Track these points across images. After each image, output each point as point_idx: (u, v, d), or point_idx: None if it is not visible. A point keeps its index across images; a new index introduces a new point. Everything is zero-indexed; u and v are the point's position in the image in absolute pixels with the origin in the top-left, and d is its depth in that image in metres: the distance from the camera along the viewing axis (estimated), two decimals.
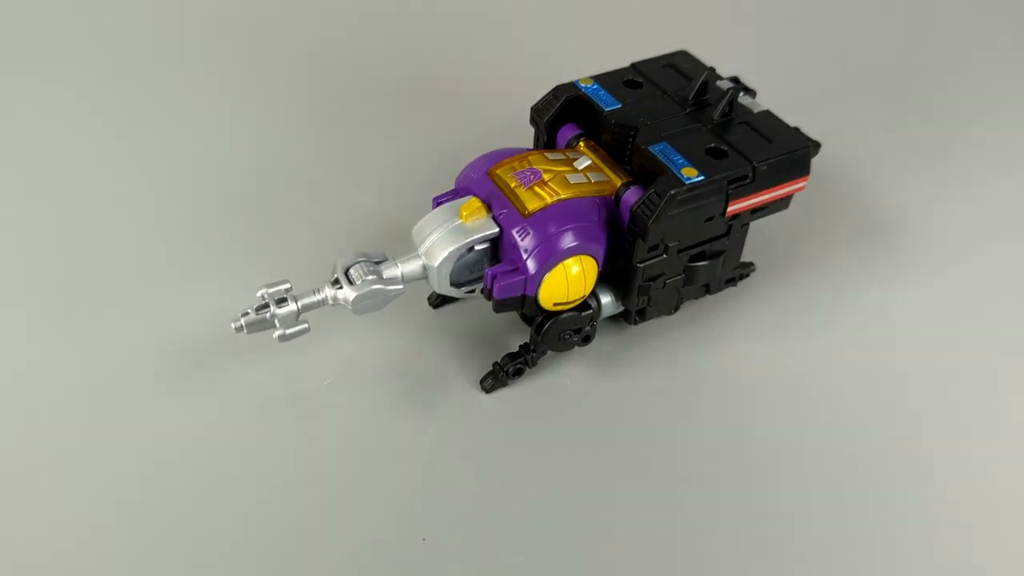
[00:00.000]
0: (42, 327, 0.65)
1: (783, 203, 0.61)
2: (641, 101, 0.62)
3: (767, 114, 0.61)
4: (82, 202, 0.77)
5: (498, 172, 0.58)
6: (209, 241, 0.73)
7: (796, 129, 0.60)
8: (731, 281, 0.67)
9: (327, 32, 1.03)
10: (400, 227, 0.62)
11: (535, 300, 0.56)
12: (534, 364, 0.62)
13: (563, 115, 0.63)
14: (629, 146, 0.59)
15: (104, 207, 0.77)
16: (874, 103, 0.94)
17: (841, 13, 1.10)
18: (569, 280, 0.56)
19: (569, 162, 0.59)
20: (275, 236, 0.73)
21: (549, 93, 0.63)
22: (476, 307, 0.68)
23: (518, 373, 0.62)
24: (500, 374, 0.61)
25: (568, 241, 0.54)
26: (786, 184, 0.59)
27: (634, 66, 0.66)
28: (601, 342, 0.65)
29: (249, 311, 0.53)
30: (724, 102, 0.60)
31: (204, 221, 0.75)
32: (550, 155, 0.60)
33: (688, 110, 0.61)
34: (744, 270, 0.68)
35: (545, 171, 0.58)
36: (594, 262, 0.56)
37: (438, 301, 0.68)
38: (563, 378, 0.63)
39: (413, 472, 0.57)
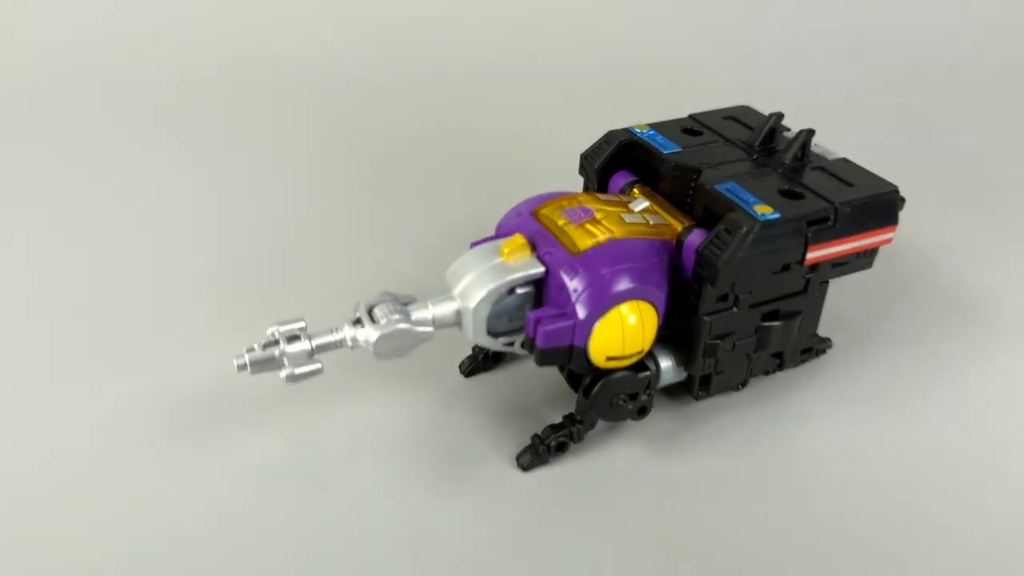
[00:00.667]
0: (41, 380, 0.59)
1: (867, 258, 0.54)
2: (702, 146, 0.56)
3: (844, 161, 0.55)
4: (107, 259, 0.73)
5: (544, 211, 0.52)
6: (221, 300, 0.68)
7: (879, 177, 0.54)
8: (807, 354, 0.59)
9: (350, 95, 1.02)
10: (427, 287, 0.56)
11: (584, 353, 0.49)
12: (580, 439, 0.54)
13: (615, 162, 0.58)
14: (691, 190, 0.54)
15: (123, 264, 0.73)
16: (948, 180, 0.89)
17: (916, 88, 1.07)
18: (625, 330, 0.48)
19: (623, 204, 0.53)
20: (293, 297, 0.68)
21: (600, 139, 0.59)
22: (515, 377, 0.61)
23: (561, 448, 0.53)
24: (540, 449, 0.53)
25: (624, 283, 0.48)
26: (872, 232, 0.52)
27: (692, 116, 0.61)
28: (659, 418, 0.57)
29: (255, 347, 0.46)
30: (796, 145, 0.54)
31: (215, 282, 0.70)
32: (602, 196, 0.54)
33: (755, 156, 0.56)
34: (821, 345, 0.61)
35: (597, 210, 0.52)
36: (654, 311, 0.49)
37: (471, 368, 0.60)
38: (614, 457, 0.54)
39: (433, 562, 0.47)
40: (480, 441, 0.55)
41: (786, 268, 0.51)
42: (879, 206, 0.52)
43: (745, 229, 0.47)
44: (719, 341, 0.51)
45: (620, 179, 0.57)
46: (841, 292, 0.68)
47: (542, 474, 0.53)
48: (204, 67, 1.09)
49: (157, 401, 0.58)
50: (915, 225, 0.78)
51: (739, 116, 0.61)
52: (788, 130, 0.59)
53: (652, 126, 0.59)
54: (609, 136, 0.58)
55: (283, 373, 0.46)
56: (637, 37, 1.15)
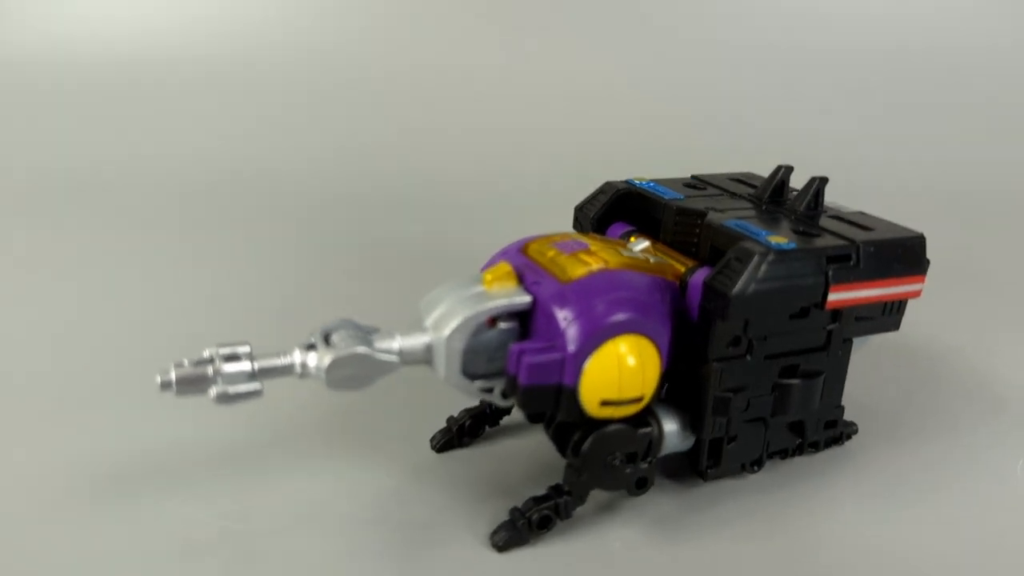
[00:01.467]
0: None
1: (894, 316, 0.48)
2: (707, 197, 0.52)
3: (862, 213, 0.51)
4: (56, 325, 0.67)
5: (533, 246, 0.47)
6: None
7: (901, 226, 0.50)
8: (831, 429, 0.52)
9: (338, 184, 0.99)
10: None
11: (575, 394, 0.42)
12: (568, 514, 0.45)
13: (612, 213, 0.54)
14: (696, 236, 0.49)
15: (72, 331, 0.66)
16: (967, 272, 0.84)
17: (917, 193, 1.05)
18: (622, 368, 0.42)
19: (622, 244, 0.48)
20: None
21: (596, 190, 0.55)
22: (494, 453, 0.53)
23: (544, 524, 0.45)
24: (519, 524, 0.44)
25: (620, 313, 0.42)
26: (898, 280, 0.47)
27: (695, 176, 0.58)
28: (661, 499, 0.49)
29: (185, 362, 0.39)
30: (809, 193, 0.50)
31: (162, 353, 0.63)
32: (598, 236, 0.50)
33: (764, 207, 0.52)
34: (847, 429, 0.53)
35: (592, 243, 0.47)
36: (655, 351, 0.43)
37: (444, 442, 0.52)
38: (608, 539, 0.46)
39: None
40: (450, 518, 0.47)
41: (804, 313, 0.45)
42: (905, 250, 0.47)
43: (758, 257, 0.42)
44: (731, 395, 0.45)
45: (617, 229, 0.53)
46: (865, 382, 0.61)
47: (521, 555, 0.44)
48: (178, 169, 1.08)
49: (73, 466, 0.50)
50: (936, 316, 0.74)
51: (745, 178, 0.58)
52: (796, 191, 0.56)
53: (652, 180, 0.56)
54: (605, 186, 0.54)
55: (213, 391, 0.39)
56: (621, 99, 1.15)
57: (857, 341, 0.50)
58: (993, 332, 0.74)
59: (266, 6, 1.24)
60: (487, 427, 0.54)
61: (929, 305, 0.75)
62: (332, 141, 1.14)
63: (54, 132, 1.12)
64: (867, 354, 0.63)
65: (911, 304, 0.50)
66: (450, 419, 0.53)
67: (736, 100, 1.18)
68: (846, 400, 0.53)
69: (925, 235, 0.48)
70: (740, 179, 0.58)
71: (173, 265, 0.82)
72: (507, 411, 0.54)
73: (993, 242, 0.97)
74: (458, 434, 0.53)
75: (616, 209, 0.53)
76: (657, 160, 0.98)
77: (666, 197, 0.51)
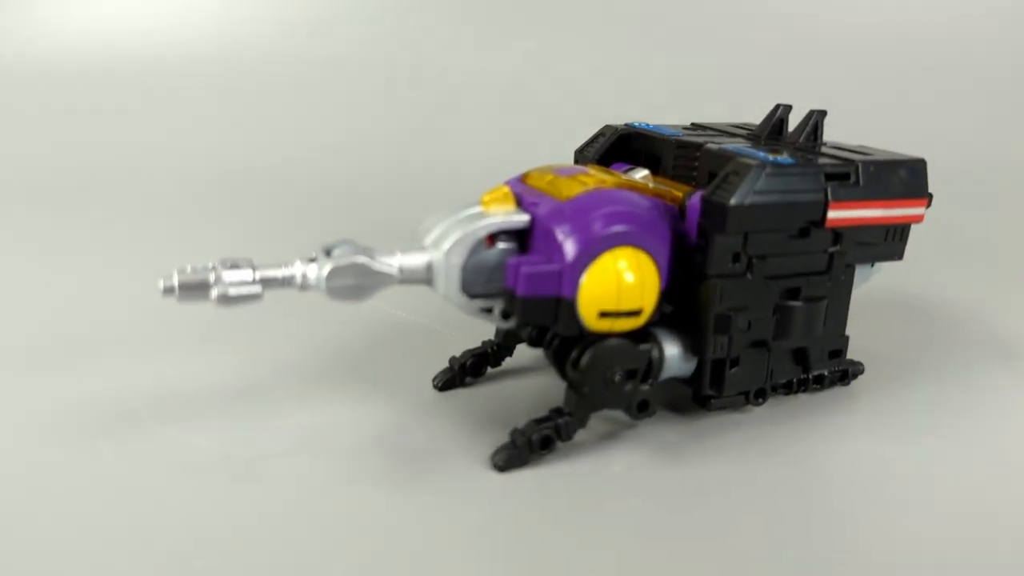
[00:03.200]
0: None
1: (897, 243, 0.49)
2: (706, 136, 0.53)
3: (861, 146, 0.52)
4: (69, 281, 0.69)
5: (533, 174, 0.48)
6: (171, 315, 0.62)
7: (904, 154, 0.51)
8: (837, 376, 0.52)
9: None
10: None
11: (573, 306, 0.42)
12: (569, 436, 0.46)
13: (612, 154, 0.55)
14: (695, 171, 0.50)
15: (83, 284, 0.68)
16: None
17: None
18: (620, 279, 0.42)
19: (620, 174, 0.49)
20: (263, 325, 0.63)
21: (595, 133, 0.56)
22: (496, 390, 0.54)
23: (545, 445, 0.45)
24: (520, 444, 0.45)
25: (617, 225, 0.42)
26: (900, 202, 0.47)
27: (693, 123, 0.59)
28: (663, 429, 0.49)
29: (188, 268, 0.40)
30: (809, 126, 0.51)
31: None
32: (599, 167, 0.51)
33: (763, 143, 0.52)
34: (852, 367, 0.54)
35: (592, 168, 0.48)
36: (654, 266, 0.43)
37: (446, 380, 0.53)
38: (609, 462, 0.46)
39: (377, 561, 0.38)
40: (450, 446, 0.47)
41: (805, 233, 0.46)
42: (906, 172, 0.47)
43: (755, 169, 0.43)
44: (732, 314, 0.45)
45: (618, 168, 0.54)
46: (874, 332, 0.62)
47: (520, 475, 0.45)
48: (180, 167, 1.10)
49: (80, 399, 0.51)
50: (947, 277, 0.74)
51: (743, 125, 0.59)
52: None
53: (651, 124, 0.57)
54: (604, 129, 0.55)
55: (214, 292, 0.40)
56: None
57: (860, 275, 0.50)
58: (1005, 292, 0.74)
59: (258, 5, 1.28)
60: (489, 367, 0.54)
61: (940, 266, 0.76)
62: (329, 136, 1.16)
63: (52, 129, 1.15)
64: (873, 306, 0.63)
65: (920, 261, 0.51)
66: (452, 359, 0.54)
67: (731, 77, 1.20)
68: (854, 349, 0.53)
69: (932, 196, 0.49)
70: (739, 125, 0.59)
71: (177, 256, 0.84)
72: (510, 352, 0.55)
73: (1005, 211, 0.97)
74: (460, 373, 0.53)
75: (616, 150, 0.54)
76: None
77: (665, 134, 0.52)
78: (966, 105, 1.17)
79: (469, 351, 0.54)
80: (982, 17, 1.22)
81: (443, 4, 1.28)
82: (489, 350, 0.54)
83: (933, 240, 0.63)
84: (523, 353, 0.56)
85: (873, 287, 0.56)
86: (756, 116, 0.63)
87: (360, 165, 1.11)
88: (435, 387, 0.53)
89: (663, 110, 0.91)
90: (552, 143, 0.83)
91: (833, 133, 0.56)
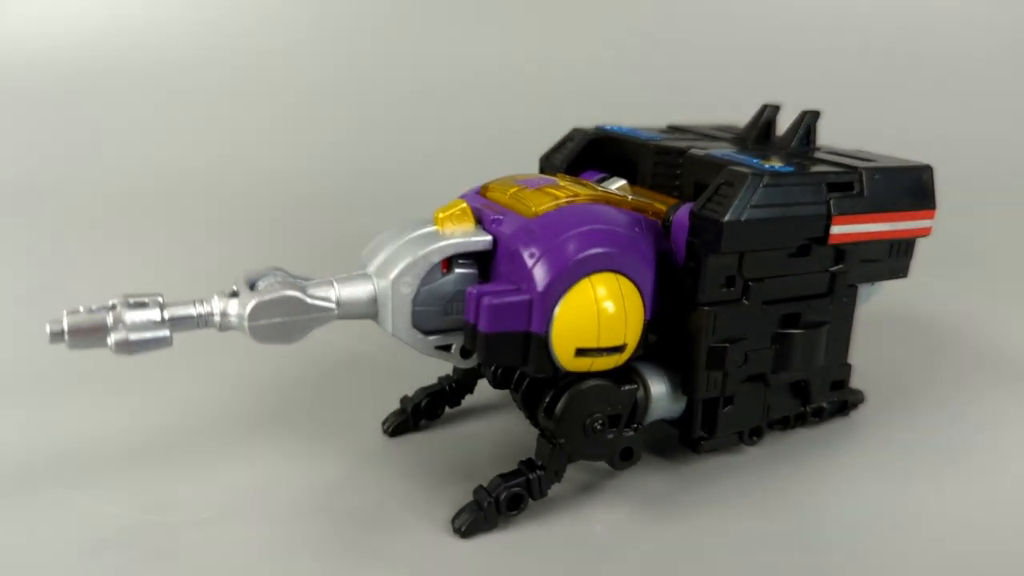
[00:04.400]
0: None
1: (902, 259, 0.44)
2: (687, 140, 0.48)
3: (859, 151, 0.47)
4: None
5: (494, 185, 0.42)
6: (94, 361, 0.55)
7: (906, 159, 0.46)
8: (837, 407, 0.47)
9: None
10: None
11: (545, 343, 0.36)
12: (542, 493, 0.40)
13: (583, 161, 0.49)
14: (677, 178, 0.45)
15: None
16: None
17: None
18: (600, 310, 0.37)
19: (594, 184, 0.44)
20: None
21: (564, 137, 0.50)
22: (455, 436, 0.47)
23: (514, 504, 0.39)
24: (486, 505, 0.39)
25: (595, 245, 0.37)
26: (906, 214, 0.42)
27: (671, 125, 0.54)
28: (650, 478, 0.43)
29: (80, 309, 0.33)
30: (801, 128, 0.46)
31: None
32: (568, 176, 0.45)
33: (751, 147, 0.47)
34: (853, 397, 0.49)
35: (561, 179, 0.42)
36: (637, 292, 0.38)
37: (397, 424, 0.47)
38: (590, 523, 0.40)
39: None
40: (404, 505, 0.41)
41: (805, 251, 0.41)
42: (912, 181, 0.42)
43: (752, 179, 0.38)
44: (727, 346, 0.40)
45: (590, 177, 0.48)
46: (871, 353, 0.56)
47: (486, 541, 0.39)
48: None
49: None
50: (943, 290, 0.70)
51: (727, 128, 0.54)
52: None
53: (625, 126, 0.51)
54: (572, 132, 0.50)
55: (111, 338, 0.33)
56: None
57: (862, 294, 0.45)
58: (1003, 306, 0.70)
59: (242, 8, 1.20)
60: (447, 407, 0.48)
61: (937, 279, 0.72)
62: (313, 141, 1.09)
63: (25, 134, 1.06)
64: (872, 324, 0.59)
65: (918, 275, 0.46)
66: (404, 399, 0.48)
67: (709, 74, 1.15)
68: (852, 366, 0.48)
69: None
70: (721, 127, 0.54)
71: (105, 261, 0.76)
72: (470, 389, 0.49)
73: (1001, 221, 0.94)
74: (414, 415, 0.47)
75: (587, 156, 0.49)
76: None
77: (642, 137, 0.47)
78: (963, 105, 1.15)
79: (423, 389, 0.48)
80: (980, 11, 1.19)
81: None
82: (446, 387, 0.48)
83: (931, 249, 0.59)
84: (486, 389, 0.50)
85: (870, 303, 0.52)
86: (735, 115, 0.58)
87: (322, 171, 1.04)
88: (385, 432, 0.47)
89: (635, 109, 0.86)
90: (512, 147, 0.78)
91: (823, 136, 0.51)
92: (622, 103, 1.00)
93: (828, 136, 0.52)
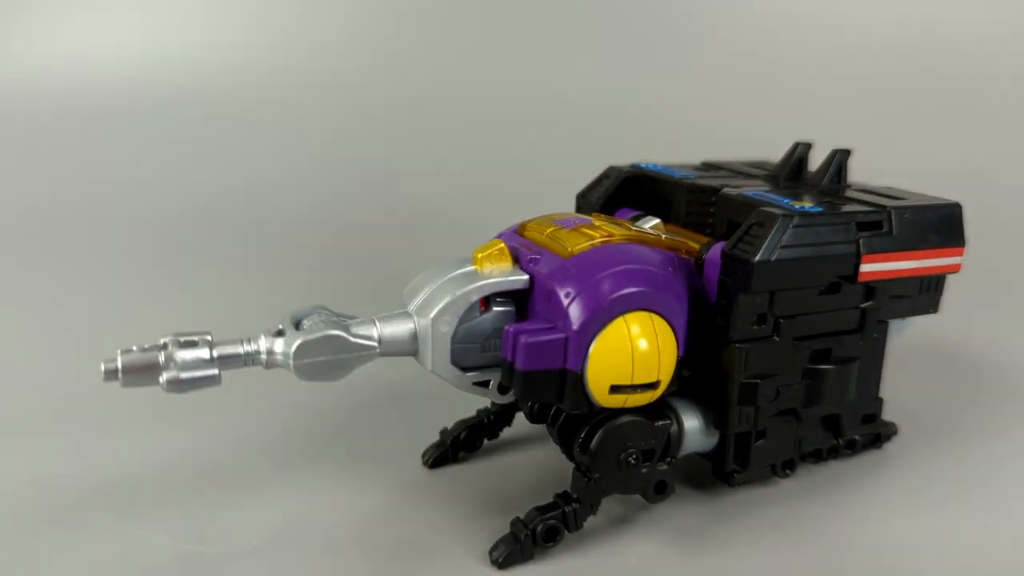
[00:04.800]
0: None
1: (932, 294, 0.45)
2: (720, 178, 0.49)
3: (889, 188, 0.48)
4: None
5: (531, 225, 0.44)
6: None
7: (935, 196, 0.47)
8: (869, 440, 0.48)
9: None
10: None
11: (581, 380, 0.38)
12: (578, 525, 0.41)
13: (618, 199, 0.50)
14: (711, 216, 0.46)
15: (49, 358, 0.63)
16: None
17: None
18: (634, 348, 0.38)
19: (628, 223, 0.45)
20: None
21: (599, 175, 0.52)
22: (493, 468, 0.49)
23: (550, 536, 0.40)
24: (523, 537, 0.40)
25: (629, 286, 0.38)
26: (935, 252, 0.43)
27: (705, 162, 0.55)
28: (683, 511, 0.44)
29: (134, 348, 0.35)
30: (832, 166, 0.47)
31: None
32: (603, 215, 0.46)
33: (783, 185, 0.48)
34: (885, 429, 0.49)
35: (596, 219, 0.44)
36: (670, 331, 0.39)
37: (437, 456, 0.48)
38: (625, 554, 0.41)
39: None
40: (443, 537, 0.42)
41: (835, 289, 0.41)
42: (940, 219, 0.43)
43: (782, 220, 0.39)
44: (759, 382, 0.41)
45: (624, 215, 0.49)
46: (901, 383, 0.57)
47: (523, 572, 0.40)
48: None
49: (29, 490, 0.45)
50: (968, 315, 0.70)
51: (760, 164, 0.55)
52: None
53: (659, 163, 0.53)
54: (609, 170, 0.51)
55: (163, 377, 0.35)
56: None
57: (893, 329, 0.46)
58: None
59: (232, 32, 1.24)
60: (485, 439, 0.50)
61: (961, 305, 0.72)
62: (350, 174, 1.12)
63: (58, 165, 1.10)
64: (904, 356, 0.59)
65: (948, 301, 0.46)
66: (444, 431, 0.49)
67: (739, 106, 1.16)
68: (884, 404, 0.49)
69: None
70: (755, 164, 0.55)
71: (148, 292, 0.78)
72: (508, 421, 0.50)
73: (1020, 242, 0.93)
74: (452, 448, 0.49)
75: (622, 194, 0.50)
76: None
77: (675, 176, 0.48)
78: (988, 134, 1.14)
79: (462, 422, 0.49)
80: (999, 39, 1.19)
81: (430, 31, 1.24)
82: (485, 420, 0.49)
83: (963, 277, 0.59)
84: (523, 422, 0.51)
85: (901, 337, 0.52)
86: (768, 151, 0.59)
87: (358, 203, 1.06)
88: (425, 464, 0.48)
89: (670, 142, 0.87)
90: (550, 184, 0.79)
91: (855, 171, 0.52)
92: (657, 135, 1.02)
93: (860, 171, 0.53)
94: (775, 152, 0.54)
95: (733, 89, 1.19)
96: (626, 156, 0.58)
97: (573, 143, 1.10)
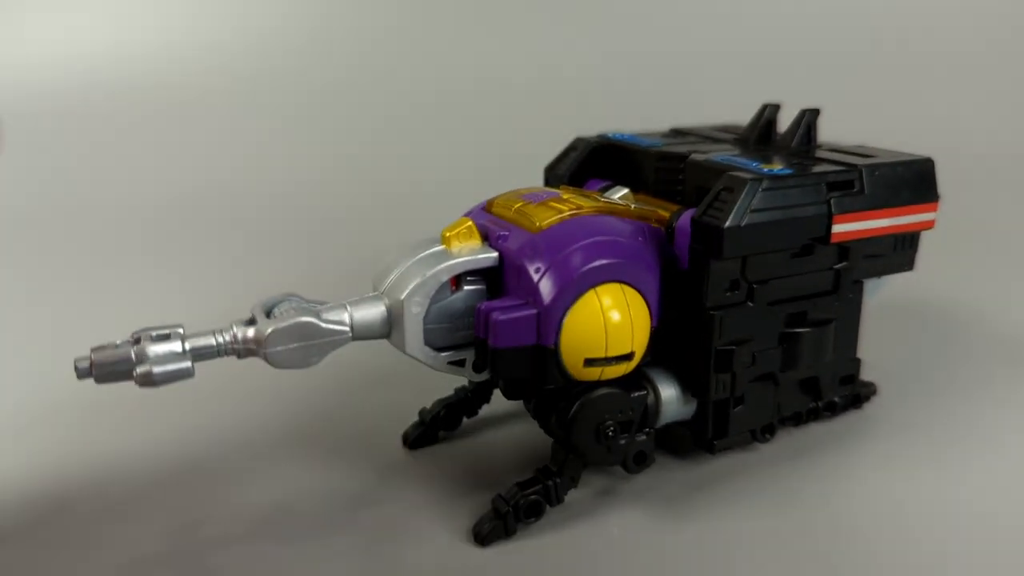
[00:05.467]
0: None
1: (906, 251, 0.45)
2: (689, 144, 0.49)
3: (861, 146, 0.48)
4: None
5: (499, 201, 0.43)
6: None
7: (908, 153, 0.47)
8: (849, 400, 0.48)
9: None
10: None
11: (555, 355, 0.38)
12: (559, 499, 0.41)
13: (586, 170, 0.50)
14: (680, 182, 0.45)
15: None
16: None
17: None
18: (607, 320, 0.38)
19: (597, 195, 0.45)
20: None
21: (566, 147, 0.51)
22: (474, 445, 0.49)
23: (533, 511, 0.40)
24: (505, 513, 0.40)
25: (599, 259, 0.38)
26: (908, 208, 0.43)
27: (673, 128, 0.54)
28: (664, 481, 0.44)
29: (105, 345, 0.35)
30: (801, 126, 0.47)
31: None
32: (571, 188, 0.46)
33: (752, 148, 0.48)
34: (864, 389, 0.49)
35: (564, 192, 0.43)
36: (642, 301, 0.39)
37: (417, 436, 0.48)
38: (606, 524, 0.41)
39: None
40: (425, 516, 0.42)
41: (808, 251, 0.41)
42: (912, 175, 0.43)
43: (751, 184, 0.38)
44: (734, 348, 0.40)
45: (593, 186, 0.49)
46: (879, 343, 0.57)
47: (507, 548, 0.40)
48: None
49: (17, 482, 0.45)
50: (947, 274, 0.71)
51: (728, 128, 0.54)
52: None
53: (627, 133, 0.52)
54: (576, 142, 0.51)
55: (137, 370, 0.34)
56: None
57: (869, 288, 0.46)
58: (1013, 290, 0.70)
59: (222, 25, 1.22)
60: (464, 418, 0.50)
61: (940, 263, 0.72)
62: (314, 157, 1.11)
63: (31, 160, 1.08)
64: (879, 314, 0.59)
65: (923, 259, 0.46)
66: (422, 411, 0.49)
67: (707, 74, 1.16)
68: (862, 364, 0.49)
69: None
70: (723, 128, 0.54)
71: (144, 286, 0.78)
72: (486, 398, 0.50)
73: (1004, 201, 0.94)
74: (432, 427, 0.48)
75: (590, 165, 0.50)
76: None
77: (643, 144, 0.48)
78: (969, 90, 1.14)
79: (440, 401, 0.49)
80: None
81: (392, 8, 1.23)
82: (463, 398, 0.49)
83: (936, 235, 0.59)
84: (500, 399, 0.51)
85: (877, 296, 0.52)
86: (737, 115, 0.59)
87: (323, 187, 1.05)
88: (405, 444, 0.48)
89: (637, 110, 0.86)
90: (514, 155, 0.79)
91: (824, 130, 0.52)
92: (624, 105, 1.01)
93: (830, 132, 0.52)
94: (743, 115, 0.54)
95: (700, 57, 1.18)
96: (593, 127, 0.57)
97: (539, 117, 1.09)
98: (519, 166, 0.68)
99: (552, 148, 0.55)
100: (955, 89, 1.13)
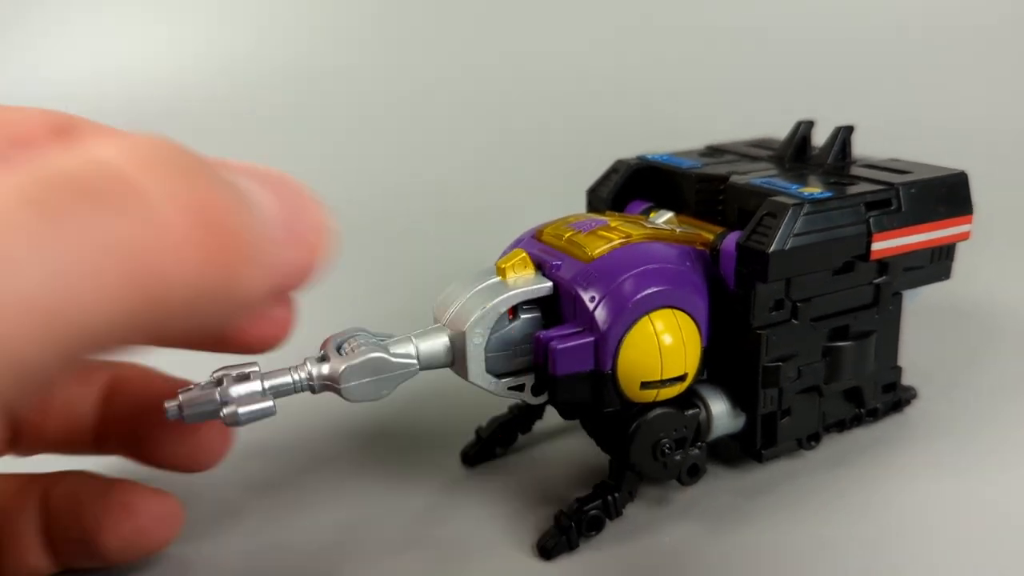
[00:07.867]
0: None
1: (943, 262, 0.47)
2: (727, 163, 0.51)
3: (894, 160, 0.49)
4: None
5: (548, 230, 0.45)
6: None
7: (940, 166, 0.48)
8: (889, 393, 0.50)
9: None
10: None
11: (613, 380, 0.40)
12: (619, 512, 0.43)
13: (627, 192, 0.52)
14: (720, 202, 0.47)
15: None
16: None
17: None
18: (661, 345, 0.40)
19: (643, 218, 0.47)
20: None
21: (607, 170, 0.53)
22: (531, 459, 0.51)
23: (594, 525, 0.43)
24: (567, 528, 0.42)
25: (650, 285, 0.40)
26: (944, 222, 0.45)
27: (710, 146, 0.56)
28: (716, 491, 0.47)
29: (192, 386, 0.38)
30: (836, 144, 0.49)
31: None
32: (616, 213, 0.48)
33: (788, 166, 0.50)
34: (905, 394, 0.51)
35: (612, 219, 0.45)
36: (693, 324, 0.41)
37: (476, 452, 0.50)
38: (660, 534, 0.44)
39: None
40: (490, 532, 0.45)
41: (849, 268, 0.43)
42: (947, 189, 0.45)
43: (792, 209, 0.40)
44: (780, 365, 0.42)
45: (635, 208, 0.51)
46: (918, 344, 0.59)
47: (569, 561, 0.42)
48: None
49: None
50: (983, 271, 0.72)
51: (763, 143, 0.56)
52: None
53: (665, 153, 0.54)
54: (616, 164, 0.53)
55: (223, 411, 0.37)
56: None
57: (907, 295, 0.48)
58: None
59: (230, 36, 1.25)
60: (520, 434, 0.52)
61: (977, 265, 0.73)
62: (351, 178, 1.13)
63: None
64: (918, 314, 0.61)
65: (958, 261, 0.48)
66: (479, 430, 0.51)
67: (741, 85, 1.17)
68: (901, 364, 0.51)
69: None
70: (758, 144, 0.56)
71: None
72: (539, 415, 0.52)
73: None
74: (489, 444, 0.51)
75: (631, 187, 0.52)
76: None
77: (683, 166, 0.50)
78: (989, 91, 1.15)
79: (496, 419, 0.51)
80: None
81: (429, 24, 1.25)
82: (517, 415, 0.52)
83: (972, 236, 0.61)
84: (553, 414, 0.53)
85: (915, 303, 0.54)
86: (766, 123, 0.61)
87: (361, 206, 1.08)
88: (464, 463, 0.51)
89: (674, 127, 0.88)
90: (555, 181, 0.80)
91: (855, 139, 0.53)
92: (660, 120, 1.03)
93: (862, 142, 0.54)
94: (770, 123, 0.55)
95: (728, 66, 1.19)
96: (629, 146, 0.59)
97: (574, 137, 1.11)
98: (556, 189, 0.70)
99: (589, 168, 0.57)
100: (983, 90, 1.13)
